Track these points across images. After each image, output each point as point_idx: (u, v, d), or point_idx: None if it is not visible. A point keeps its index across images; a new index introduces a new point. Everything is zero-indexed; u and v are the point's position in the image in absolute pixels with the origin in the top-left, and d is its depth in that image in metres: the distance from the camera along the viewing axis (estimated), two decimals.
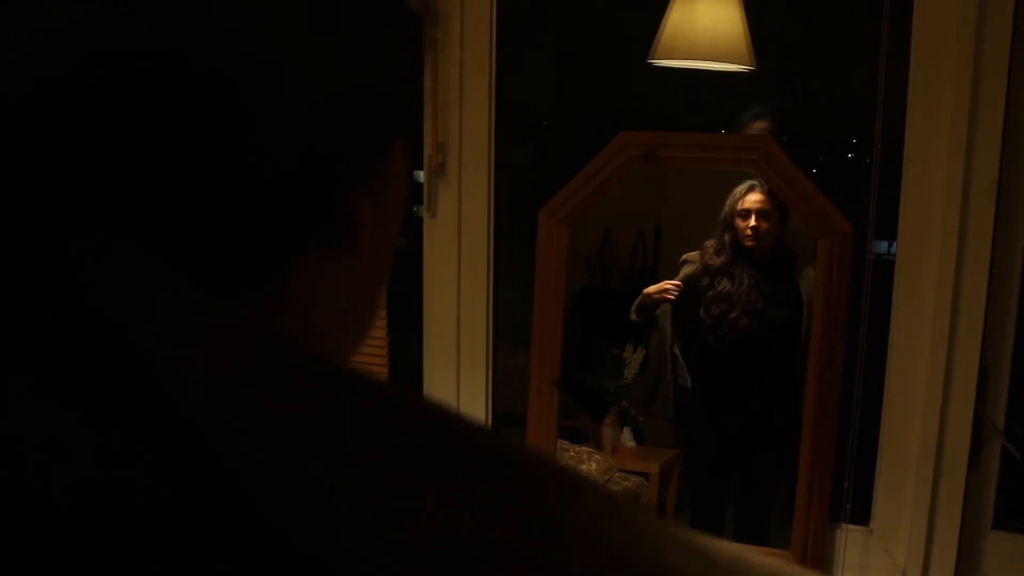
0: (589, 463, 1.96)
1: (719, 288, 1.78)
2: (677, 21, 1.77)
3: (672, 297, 1.82)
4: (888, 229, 1.63)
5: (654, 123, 1.77)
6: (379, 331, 1.92)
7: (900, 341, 1.62)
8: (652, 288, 1.85)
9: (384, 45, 0.36)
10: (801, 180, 1.60)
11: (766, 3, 1.87)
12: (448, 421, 0.32)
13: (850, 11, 1.95)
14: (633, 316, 1.87)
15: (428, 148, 1.82)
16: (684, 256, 1.84)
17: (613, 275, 2.03)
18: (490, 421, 1.94)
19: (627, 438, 2.02)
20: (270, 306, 0.34)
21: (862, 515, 1.69)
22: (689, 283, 1.82)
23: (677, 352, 1.89)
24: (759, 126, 1.93)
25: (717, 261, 1.78)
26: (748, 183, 1.72)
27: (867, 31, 1.60)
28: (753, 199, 1.72)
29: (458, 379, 1.92)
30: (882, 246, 1.71)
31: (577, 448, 1.98)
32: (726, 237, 1.76)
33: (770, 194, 1.70)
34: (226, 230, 0.31)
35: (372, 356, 1.94)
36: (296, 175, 0.33)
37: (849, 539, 1.67)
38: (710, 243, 1.79)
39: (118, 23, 0.30)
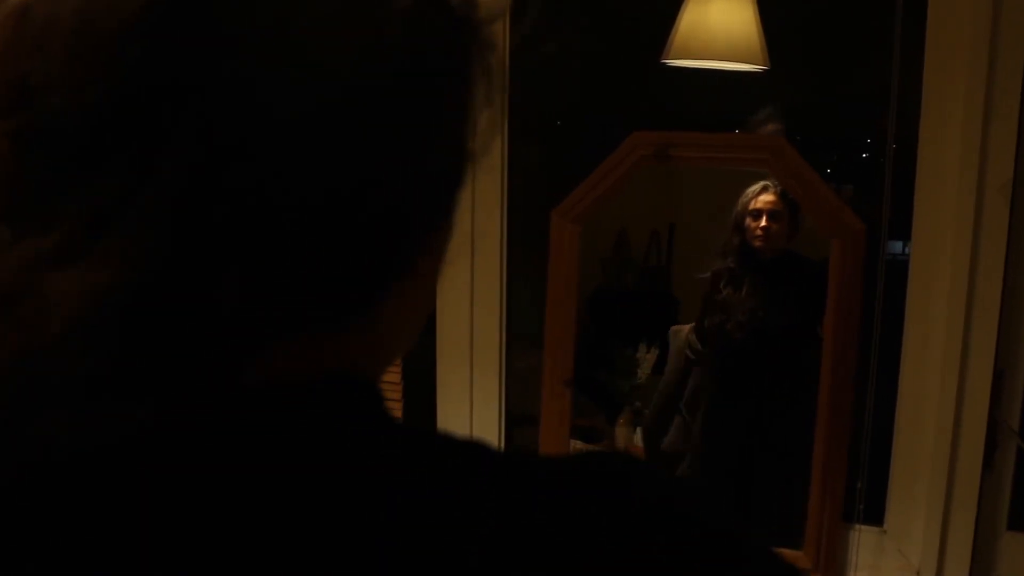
0: None
1: (723, 294, 1.78)
2: (691, 21, 1.77)
3: None
4: (902, 229, 1.62)
5: (667, 123, 1.77)
6: None
7: (914, 341, 1.62)
8: None
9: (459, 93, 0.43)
10: (813, 179, 1.60)
11: (780, 2, 1.87)
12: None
13: (864, 10, 1.94)
14: None
15: None
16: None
17: (627, 275, 2.03)
18: (503, 422, 1.94)
19: (640, 438, 2.01)
20: (373, 322, 0.42)
21: (876, 515, 1.68)
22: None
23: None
24: (771, 127, 1.92)
25: (723, 264, 1.78)
26: (761, 183, 1.71)
27: (881, 30, 1.59)
28: (765, 199, 1.72)
29: (471, 380, 1.92)
30: (896, 246, 1.71)
31: (591, 448, 1.98)
32: (734, 239, 1.76)
33: (782, 196, 1.69)
34: (345, 280, 0.39)
35: None
36: (392, 233, 0.40)
37: (863, 539, 1.67)
38: (722, 245, 1.79)
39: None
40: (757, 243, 1.74)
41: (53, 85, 0.33)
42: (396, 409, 1.99)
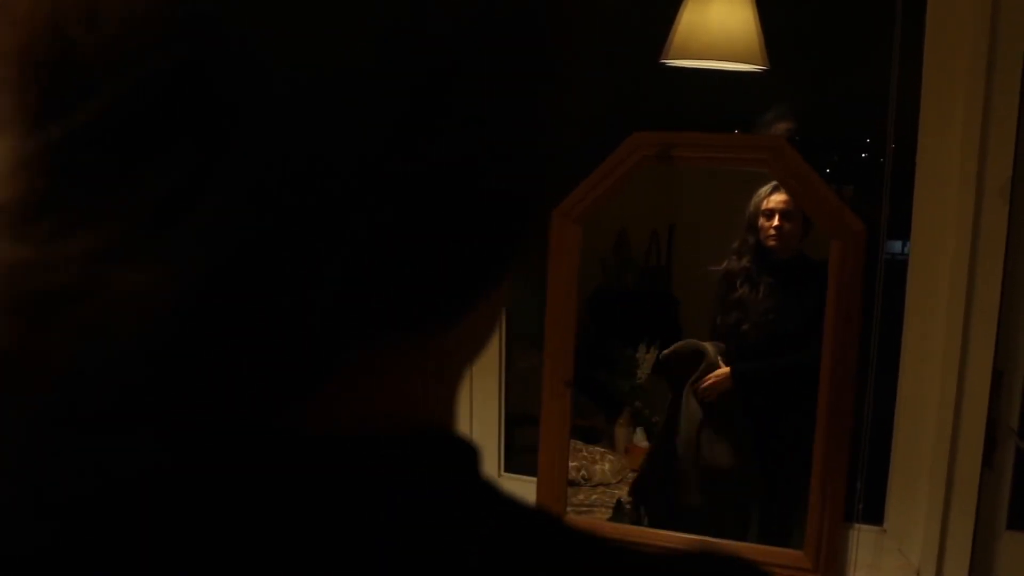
0: (602, 463, 1.96)
1: (739, 293, 1.78)
2: (690, 21, 1.77)
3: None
4: (901, 229, 1.63)
5: (667, 124, 1.77)
6: None
7: (913, 341, 1.62)
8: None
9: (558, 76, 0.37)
10: (813, 179, 1.60)
11: (779, 2, 1.87)
12: None
13: (863, 10, 1.94)
14: None
15: None
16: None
17: (627, 275, 2.03)
18: (503, 422, 1.95)
19: (640, 438, 2.02)
20: (462, 330, 0.38)
21: (875, 515, 1.69)
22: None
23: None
24: (781, 127, 1.92)
25: (739, 264, 1.78)
26: (773, 183, 1.71)
27: (880, 30, 1.59)
28: (777, 199, 1.72)
29: (471, 380, 1.92)
30: (895, 246, 1.71)
31: (590, 448, 1.98)
32: (749, 239, 1.76)
33: None
34: (446, 282, 0.34)
35: None
36: (498, 235, 0.35)
37: (862, 539, 1.67)
38: (737, 244, 1.79)
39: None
40: (771, 243, 1.75)
41: (106, 58, 0.29)
42: None
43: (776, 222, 1.73)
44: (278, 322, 0.30)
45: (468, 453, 0.38)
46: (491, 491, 0.38)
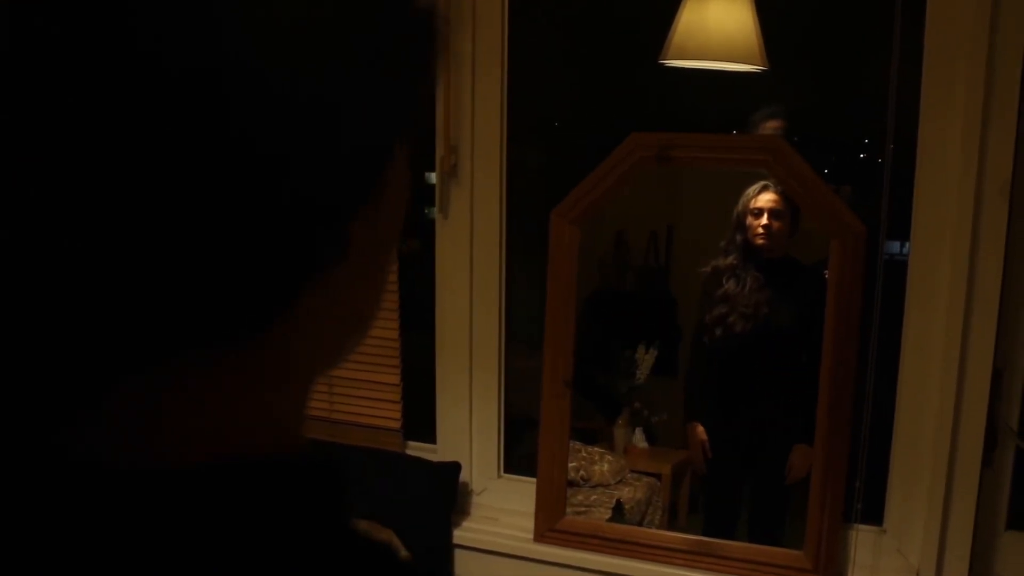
0: (601, 464, 1.96)
1: (725, 288, 1.78)
2: (688, 22, 1.77)
3: None
4: (901, 229, 1.63)
5: (666, 124, 1.77)
6: (391, 332, 1.93)
7: (913, 341, 1.62)
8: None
9: (387, 62, 0.35)
10: (813, 180, 1.60)
11: (778, 3, 1.87)
12: None
13: (862, 11, 1.95)
14: None
15: (440, 150, 1.82)
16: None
17: (626, 276, 2.03)
18: (502, 423, 1.94)
19: (639, 439, 2.01)
20: (287, 329, 0.35)
21: (875, 515, 1.68)
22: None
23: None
24: (772, 125, 1.93)
25: (726, 261, 1.78)
26: (761, 183, 1.72)
27: (880, 30, 1.59)
28: (766, 198, 1.73)
29: (470, 381, 1.92)
30: (894, 246, 1.71)
31: (589, 449, 1.98)
32: (737, 237, 1.77)
33: (783, 194, 1.70)
34: (239, 270, 0.31)
35: (384, 358, 1.94)
36: (300, 209, 0.32)
37: (862, 539, 1.67)
38: (724, 243, 1.80)
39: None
40: (759, 241, 1.75)
41: None
42: (395, 410, 1.98)
43: (765, 220, 1.73)
44: (38, 333, 0.28)
45: (293, 486, 0.35)
46: (303, 532, 0.34)
